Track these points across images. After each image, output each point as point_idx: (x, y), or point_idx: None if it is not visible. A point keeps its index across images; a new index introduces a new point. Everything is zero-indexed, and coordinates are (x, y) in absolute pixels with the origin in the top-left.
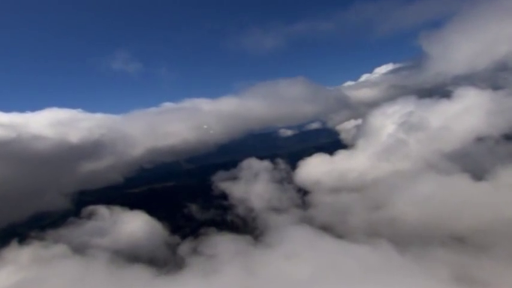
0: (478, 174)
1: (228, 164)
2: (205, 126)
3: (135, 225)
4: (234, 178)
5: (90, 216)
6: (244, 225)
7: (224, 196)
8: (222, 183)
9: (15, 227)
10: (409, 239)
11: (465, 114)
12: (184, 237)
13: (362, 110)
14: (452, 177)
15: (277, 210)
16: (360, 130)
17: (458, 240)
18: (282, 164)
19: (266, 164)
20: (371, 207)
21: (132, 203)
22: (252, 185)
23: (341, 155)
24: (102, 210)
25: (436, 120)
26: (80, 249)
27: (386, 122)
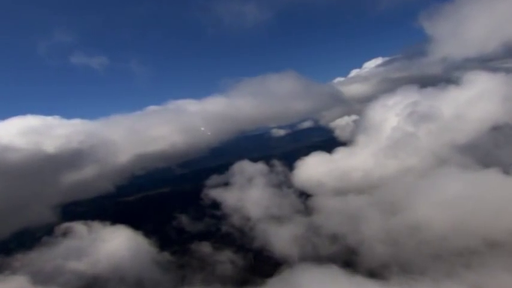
0: (505, 168)
1: (222, 167)
2: (202, 128)
3: (118, 242)
4: (226, 184)
5: (66, 234)
6: (241, 237)
7: (217, 205)
8: (213, 190)
9: None
10: (438, 251)
11: (478, 101)
12: (174, 253)
13: (355, 105)
14: (478, 173)
15: (277, 218)
16: (358, 125)
17: (496, 247)
18: (278, 165)
19: (260, 166)
20: (386, 212)
21: (125, 212)
22: (247, 191)
23: (340, 153)
24: (79, 227)
25: (446, 109)
26: (49, 277)
27: (388, 114)
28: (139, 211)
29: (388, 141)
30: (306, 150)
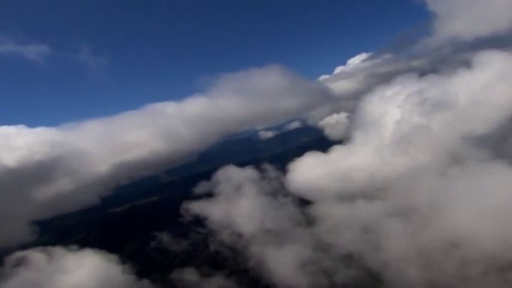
0: None
1: (211, 173)
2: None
3: (86, 271)
4: (210, 195)
5: (20, 264)
6: (233, 258)
7: (202, 220)
8: (197, 203)
9: None
10: (485, 271)
11: (494, 85)
12: (155, 281)
13: (343, 103)
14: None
15: (274, 233)
16: (353, 121)
17: None
18: (269, 170)
19: (249, 172)
20: (410, 222)
21: (113, 224)
22: (236, 202)
23: (337, 152)
24: (36, 255)
25: (458, 96)
26: None
27: (388, 106)
28: (128, 222)
29: (392, 136)
30: (297, 151)
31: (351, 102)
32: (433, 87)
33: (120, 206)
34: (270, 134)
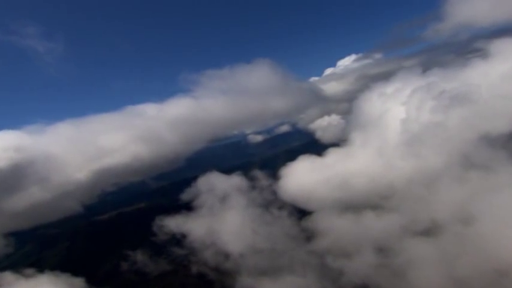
0: None
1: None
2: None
3: None
4: (190, 208)
5: None
6: (219, 281)
7: (180, 238)
8: (175, 217)
9: None
10: None
11: None
12: None
13: (333, 104)
14: None
15: (267, 253)
16: (350, 122)
17: None
18: (260, 177)
19: (237, 179)
20: (436, 243)
21: (99, 232)
22: (221, 215)
23: (333, 155)
24: None
25: (476, 89)
26: None
27: (390, 104)
28: (114, 230)
29: (396, 136)
30: (288, 155)
31: (343, 105)
32: (445, 81)
33: (106, 213)
34: (259, 138)
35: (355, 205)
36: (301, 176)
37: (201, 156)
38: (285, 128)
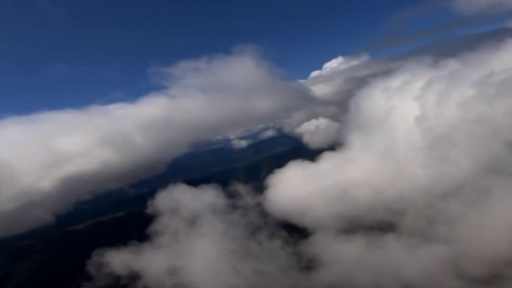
0: None
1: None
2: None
3: None
4: (145, 237)
5: None
6: None
7: (132, 276)
8: (123, 252)
9: None
10: None
11: None
12: None
13: (321, 108)
14: None
15: None
16: (346, 122)
17: None
18: (242, 190)
19: (212, 194)
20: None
21: (74, 242)
22: (189, 245)
23: (327, 162)
24: None
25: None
26: None
27: (396, 100)
28: (91, 240)
29: (407, 137)
30: (275, 161)
31: (331, 107)
32: (470, 68)
33: (82, 223)
34: (243, 144)
35: (360, 223)
36: (292, 186)
37: (182, 162)
38: (270, 133)
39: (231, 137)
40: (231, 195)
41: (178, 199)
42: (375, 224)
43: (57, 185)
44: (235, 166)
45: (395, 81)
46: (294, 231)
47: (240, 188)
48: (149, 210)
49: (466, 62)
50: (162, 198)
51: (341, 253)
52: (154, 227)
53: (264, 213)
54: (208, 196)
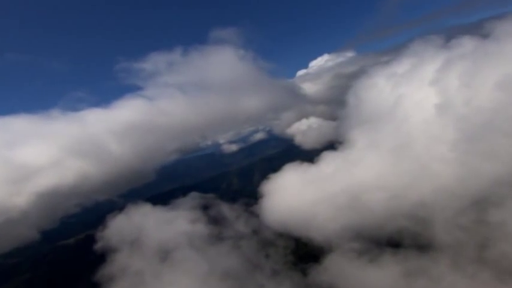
0: None
1: (175, 192)
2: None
3: None
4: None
5: None
6: None
7: None
8: None
9: None
10: None
11: None
12: None
13: (311, 107)
14: None
15: None
16: (344, 117)
17: None
18: (224, 209)
19: (189, 214)
20: None
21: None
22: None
23: (328, 163)
24: None
25: None
26: None
27: (405, 88)
28: (82, 254)
29: (424, 130)
30: (267, 164)
31: (321, 106)
32: (498, 43)
33: (72, 237)
34: (234, 148)
35: (379, 236)
36: (292, 194)
37: (172, 170)
38: (260, 136)
39: (221, 141)
40: (216, 220)
41: (141, 226)
42: (396, 236)
43: (34, 200)
44: (227, 170)
45: (401, 67)
46: (300, 251)
47: (226, 209)
48: (97, 247)
49: (493, 37)
50: (117, 226)
51: (368, 280)
52: (106, 270)
53: (264, 242)
54: (183, 221)
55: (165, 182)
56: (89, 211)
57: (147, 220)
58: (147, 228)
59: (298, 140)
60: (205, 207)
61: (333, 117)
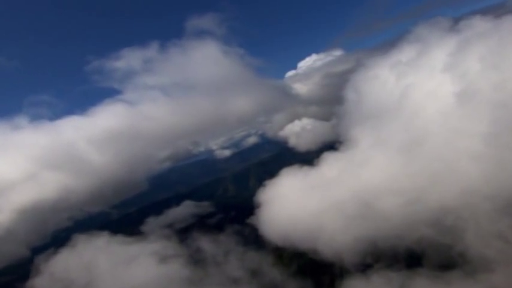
0: None
1: (169, 201)
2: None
3: None
4: None
5: None
6: None
7: None
8: None
9: None
10: None
11: None
12: None
13: (302, 107)
14: None
15: None
16: (344, 115)
17: None
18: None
19: (165, 245)
20: None
21: None
22: None
23: (330, 165)
24: None
25: None
26: None
27: (413, 77)
28: None
29: (441, 123)
30: (262, 168)
31: (312, 106)
32: None
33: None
34: (227, 153)
35: (399, 247)
36: (292, 201)
37: (166, 178)
38: (253, 140)
39: (214, 147)
40: (198, 256)
41: (93, 266)
42: (417, 248)
43: (17, 217)
44: (222, 176)
45: (404, 55)
46: (312, 276)
47: (211, 241)
48: None
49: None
50: (58, 267)
51: None
52: None
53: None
54: (153, 258)
55: (159, 190)
56: (82, 224)
57: (101, 258)
58: (100, 270)
59: (292, 142)
60: (183, 238)
61: (326, 117)
